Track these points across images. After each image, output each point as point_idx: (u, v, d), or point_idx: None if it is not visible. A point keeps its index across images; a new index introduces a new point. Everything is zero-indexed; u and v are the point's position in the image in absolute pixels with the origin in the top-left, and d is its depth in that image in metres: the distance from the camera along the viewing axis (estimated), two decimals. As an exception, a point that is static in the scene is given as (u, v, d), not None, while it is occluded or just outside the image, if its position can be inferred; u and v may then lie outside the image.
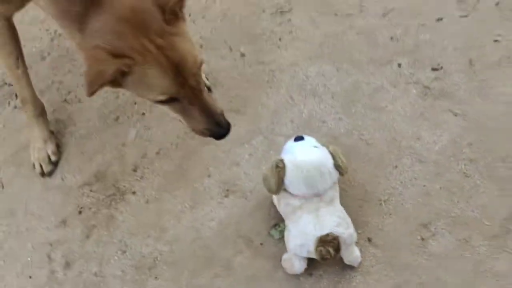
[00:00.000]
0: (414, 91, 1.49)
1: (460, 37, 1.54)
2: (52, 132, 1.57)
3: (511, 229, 1.25)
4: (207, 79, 1.57)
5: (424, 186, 1.34)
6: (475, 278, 1.20)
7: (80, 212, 1.45)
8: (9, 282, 1.39)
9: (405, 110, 1.46)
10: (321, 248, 1.14)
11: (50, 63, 1.76)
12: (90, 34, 1.00)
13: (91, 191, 1.49)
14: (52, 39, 1.81)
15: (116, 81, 0.99)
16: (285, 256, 1.26)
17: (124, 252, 1.37)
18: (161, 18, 0.98)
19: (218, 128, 1.13)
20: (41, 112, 1.53)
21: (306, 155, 1.21)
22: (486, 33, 1.53)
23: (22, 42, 1.42)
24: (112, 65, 0.94)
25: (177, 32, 1.02)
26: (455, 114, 1.43)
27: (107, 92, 1.64)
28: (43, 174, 1.52)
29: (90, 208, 1.46)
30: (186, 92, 1.05)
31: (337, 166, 1.21)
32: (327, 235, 1.15)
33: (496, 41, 1.52)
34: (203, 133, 1.15)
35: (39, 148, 1.52)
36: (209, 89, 1.55)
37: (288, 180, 1.20)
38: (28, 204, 1.50)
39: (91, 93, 0.95)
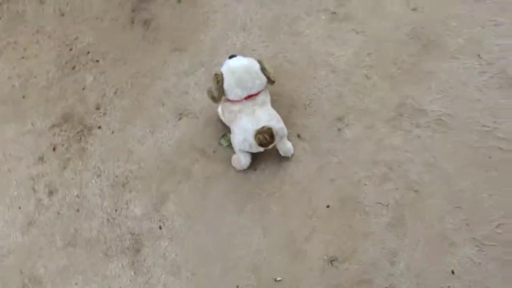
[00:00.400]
0: (323, 17, 1.78)
1: (355, -31, 1.84)
2: None
3: (403, 113, 1.59)
4: None
5: (337, 90, 1.65)
6: (378, 151, 1.54)
7: (54, 149, 1.65)
8: (1, 214, 1.58)
9: (318, 33, 1.75)
10: (259, 135, 1.38)
11: (3, 25, 1.89)
12: None
13: (61, 130, 1.68)
14: (1, 3, 1.94)
15: None
16: (233, 156, 1.54)
17: (99, 175, 1.60)
18: None
19: None
20: None
21: (237, 62, 1.44)
22: (376, -36, 1.84)
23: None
24: None
25: None
26: (357, 32, 1.74)
27: (60, 46, 1.82)
28: None
29: (62, 145, 1.66)
30: None
31: (263, 70, 1.45)
32: (263, 127, 1.39)
33: (384, -30, 1.83)
34: None
35: None
36: None
37: (226, 84, 1.43)
38: (5, 149, 1.67)
39: None
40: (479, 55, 1.62)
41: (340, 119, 1.58)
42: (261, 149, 1.43)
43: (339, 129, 1.57)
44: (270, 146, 1.42)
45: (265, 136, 1.36)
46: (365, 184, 1.45)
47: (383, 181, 1.46)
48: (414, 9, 1.72)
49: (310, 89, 1.64)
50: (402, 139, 1.53)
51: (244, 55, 1.61)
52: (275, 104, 1.56)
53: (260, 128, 1.38)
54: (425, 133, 1.52)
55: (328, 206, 1.44)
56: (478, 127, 1.50)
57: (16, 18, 1.86)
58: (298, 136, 1.57)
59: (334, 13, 1.76)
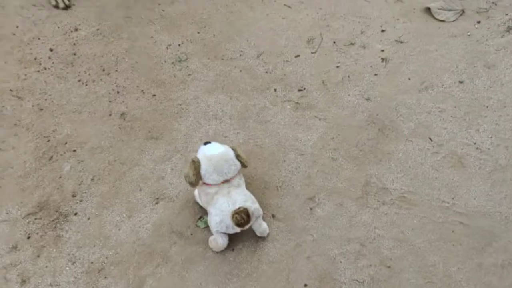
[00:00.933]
0: (288, 106, 1.95)
1: (313, 67, 2.06)
2: None
3: (369, 191, 1.70)
4: None
5: (306, 171, 1.76)
6: (351, 228, 1.62)
7: (28, 237, 1.62)
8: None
9: (284, 120, 1.90)
10: (236, 215, 1.42)
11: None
12: None
13: (36, 219, 1.67)
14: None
15: None
16: (210, 238, 1.56)
17: (74, 262, 1.57)
18: None
19: None
20: None
21: (213, 150, 1.53)
22: (330, 62, 2.07)
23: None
24: None
25: None
26: (319, 119, 1.90)
27: (38, 137, 1.86)
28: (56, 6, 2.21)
29: (37, 233, 1.63)
30: None
31: (237, 157, 1.54)
32: (239, 207, 1.43)
33: (337, 66, 2.06)
34: None
35: None
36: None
37: (203, 170, 1.50)
38: None
39: None
40: (430, 138, 1.79)
41: (311, 198, 1.67)
42: (238, 229, 1.46)
43: (311, 208, 1.65)
44: (247, 227, 1.46)
45: (242, 215, 1.41)
46: (340, 262, 1.50)
47: (357, 258, 1.51)
48: (368, 99, 1.92)
49: (281, 171, 1.73)
50: (371, 216, 1.62)
51: (218, 142, 1.71)
52: (249, 186, 1.63)
53: (236, 209, 1.42)
54: (391, 210, 1.62)
55: (306, 285, 1.47)
56: (438, 203, 1.62)
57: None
58: (273, 216, 1.63)
59: (297, 103, 1.93)
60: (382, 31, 2.15)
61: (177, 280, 1.47)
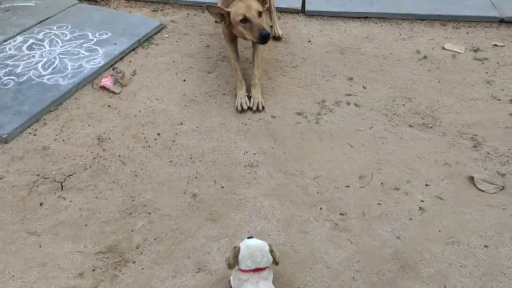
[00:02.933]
0: (328, 225, 2.21)
1: (358, 198, 2.32)
2: (247, 96, 2.91)
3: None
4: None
5: (327, 282, 1.94)
6: None
7: (93, 270, 1.96)
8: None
9: (321, 235, 2.15)
10: None
11: (90, 173, 2.42)
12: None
13: (103, 257, 2.01)
14: (94, 158, 2.52)
15: (226, 19, 2.73)
16: None
17: (121, 300, 1.85)
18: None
19: (263, 32, 2.58)
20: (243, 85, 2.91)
21: (253, 242, 1.80)
22: (374, 198, 2.34)
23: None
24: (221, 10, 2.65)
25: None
26: (351, 242, 2.13)
27: (126, 196, 2.29)
28: (242, 110, 2.84)
29: (101, 268, 1.97)
30: (250, 16, 2.60)
31: (271, 252, 1.78)
32: None
33: (379, 204, 2.32)
34: (257, 39, 2.62)
35: (240, 98, 2.86)
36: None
37: (241, 256, 1.76)
38: (58, 260, 2.00)
39: (208, 10, 2.71)
40: (445, 286, 1.93)
41: (326, 306, 1.84)
42: None
43: (323, 315, 1.81)
44: None
45: None
46: None
47: None
48: (398, 237, 2.13)
49: (306, 276, 1.95)
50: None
51: (261, 238, 2.00)
52: (276, 281, 1.86)
53: None
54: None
55: None
56: None
57: (101, 170, 2.39)
58: (288, 312, 1.82)
59: (336, 224, 2.18)
60: (426, 185, 2.40)
61: None
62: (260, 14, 2.62)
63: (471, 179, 2.41)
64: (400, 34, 3.66)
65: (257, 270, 1.76)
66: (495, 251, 2.04)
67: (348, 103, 2.96)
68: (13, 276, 1.90)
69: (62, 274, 1.91)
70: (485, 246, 2.07)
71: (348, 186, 2.38)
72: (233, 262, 1.76)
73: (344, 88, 3.10)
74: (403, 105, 2.95)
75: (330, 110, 2.90)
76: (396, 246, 2.07)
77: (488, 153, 2.56)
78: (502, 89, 3.06)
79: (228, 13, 2.67)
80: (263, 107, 2.87)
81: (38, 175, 2.37)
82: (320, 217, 2.20)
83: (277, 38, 3.57)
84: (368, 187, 2.37)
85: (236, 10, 2.63)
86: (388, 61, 3.38)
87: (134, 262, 1.96)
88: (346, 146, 2.63)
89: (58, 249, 2.01)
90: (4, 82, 2.93)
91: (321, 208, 2.25)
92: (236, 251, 1.76)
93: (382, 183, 2.40)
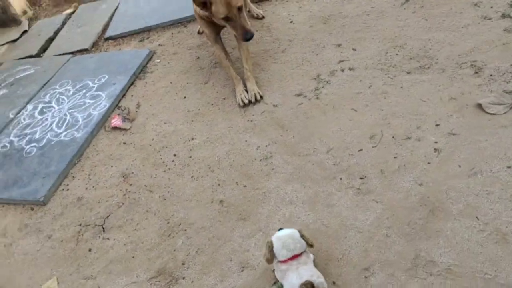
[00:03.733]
0: (351, 192, 2.27)
1: (374, 158, 2.38)
2: (245, 90, 2.99)
3: (418, 264, 1.89)
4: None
5: (363, 246, 2.02)
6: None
7: (150, 294, 2.11)
8: None
9: (347, 203, 2.22)
10: (303, 286, 1.73)
11: (124, 209, 2.59)
12: None
13: (156, 281, 2.17)
14: (124, 194, 2.69)
15: (205, 7, 2.72)
16: None
17: (180, 314, 2.00)
18: None
19: (245, 34, 2.66)
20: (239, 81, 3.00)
21: (283, 232, 1.88)
22: (388, 154, 2.39)
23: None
24: None
25: None
26: (377, 202, 2.19)
27: (161, 220, 2.44)
28: (244, 105, 2.93)
29: (156, 291, 2.12)
30: (232, 15, 2.61)
31: (302, 236, 1.86)
32: (305, 281, 1.73)
33: (395, 157, 2.36)
34: (240, 38, 2.67)
35: (240, 93, 2.95)
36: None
37: (275, 248, 1.87)
38: None
39: (198, 5, 2.74)
40: (477, 217, 1.96)
41: (366, 269, 1.92)
42: None
43: (365, 277, 1.89)
44: None
45: (308, 286, 1.69)
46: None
47: None
48: (420, 184, 2.17)
49: (342, 246, 2.03)
50: (419, 286, 1.81)
51: (292, 222, 2.10)
52: (316, 258, 1.95)
53: (303, 282, 1.71)
54: (437, 280, 1.80)
55: None
56: (481, 275, 1.76)
57: (133, 203, 2.55)
58: (333, 283, 1.91)
59: (358, 189, 2.24)
60: (436, 125, 2.42)
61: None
62: (240, 8, 2.63)
63: (479, 106, 2.41)
64: (377, -14, 3.64)
65: (294, 257, 1.84)
66: (518, 169, 2.05)
67: (343, 70, 3.00)
68: (83, 320, 2.08)
69: (124, 305, 2.07)
70: (508, 167, 2.08)
71: (361, 150, 2.43)
72: (270, 256, 1.85)
73: (335, 57, 3.13)
74: (396, 54, 2.95)
75: (327, 82, 2.94)
76: (420, 193, 2.12)
77: (490, 75, 2.55)
78: (491, 7, 3.01)
79: (211, 3, 2.66)
80: (261, 96, 2.95)
81: (80, 225, 2.55)
82: (342, 186, 2.27)
83: (262, 18, 3.73)
84: (381, 145, 2.42)
85: (217, 9, 2.65)
86: (371, 16, 3.37)
87: (183, 278, 2.10)
88: (350, 111, 2.68)
89: (115, 285, 2.18)
90: (28, 151, 3.15)
91: (340, 178, 2.32)
92: (270, 245, 1.86)
93: (393, 137, 2.44)
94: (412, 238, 1.95)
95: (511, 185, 2.00)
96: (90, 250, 2.39)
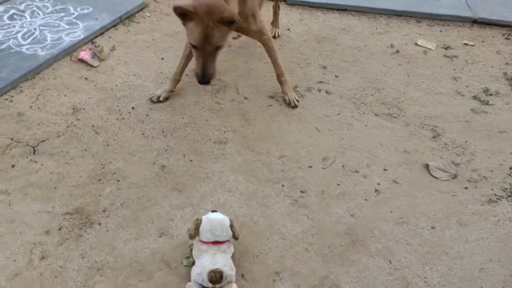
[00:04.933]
0: (288, 201, 2.34)
1: (319, 178, 2.45)
2: (172, 91, 2.83)
3: (324, 283, 1.98)
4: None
5: (281, 252, 2.09)
6: (299, 305, 1.89)
7: (59, 229, 2.05)
8: (2, 261, 1.90)
9: (281, 209, 2.28)
10: (212, 273, 1.75)
11: (60, 142, 2.50)
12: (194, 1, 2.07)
13: (70, 218, 2.11)
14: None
15: (184, 18, 2.11)
16: (188, 283, 1.84)
17: (84, 257, 1.96)
18: (218, 18, 2.04)
19: (203, 78, 2.19)
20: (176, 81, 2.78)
21: (215, 216, 1.91)
22: (334, 179, 2.48)
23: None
24: (185, 8, 2.01)
25: (220, 28, 2.08)
26: (308, 217, 2.26)
27: (97, 163, 2.38)
28: (156, 99, 2.78)
29: (67, 228, 2.07)
30: (203, 50, 2.13)
31: (231, 226, 1.90)
32: (216, 268, 1.76)
33: (338, 184, 2.46)
34: (196, 75, 2.20)
35: (161, 91, 2.77)
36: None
37: (202, 228, 1.89)
38: (26, 218, 2.09)
39: (175, 10, 2.08)
40: (390, 261, 2.08)
41: (277, 273, 1.98)
42: (210, 286, 1.76)
43: (274, 280, 1.95)
44: (218, 286, 1.77)
45: (216, 275, 1.72)
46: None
47: None
48: (352, 215, 2.27)
49: (262, 245, 2.08)
50: (319, 302, 1.88)
51: (224, 209, 2.13)
52: (235, 248, 1.98)
53: (214, 269, 1.75)
54: (337, 303, 1.88)
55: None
56: None
57: (74, 138, 2.48)
58: (242, 275, 1.95)
59: (296, 200, 2.32)
60: (384, 170, 2.55)
61: (150, 296, 1.80)
62: (218, 48, 2.18)
63: (427, 166, 2.57)
64: (377, 28, 3.81)
65: (216, 243, 1.87)
66: (440, 232, 2.21)
67: (319, 90, 3.09)
68: (-19, 230, 1.99)
69: (29, 231, 2.00)
70: (432, 228, 2.23)
71: (311, 167, 2.51)
72: (194, 233, 1.88)
73: (317, 76, 3.23)
74: (372, 95, 3.09)
75: (301, 96, 3.03)
76: (349, 223, 2.22)
77: (445, 143, 2.73)
78: (467, 86, 3.23)
79: (190, 20, 2.13)
80: (297, 101, 2.95)
81: (12, 139, 2.44)
82: (282, 193, 2.33)
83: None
84: (330, 169, 2.51)
85: (191, 32, 2.13)
86: (362, 52, 3.51)
87: (99, 224, 2.06)
88: (314, 130, 2.77)
89: (26, 208, 2.10)
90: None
91: (283, 185, 2.38)
92: (198, 223, 1.88)
93: (343, 166, 2.54)
94: (327, 260, 2.04)
95: (429, 244, 2.15)
96: (13, 166, 2.30)
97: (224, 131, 2.66)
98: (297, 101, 2.90)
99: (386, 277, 1.98)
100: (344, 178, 2.46)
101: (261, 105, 2.89)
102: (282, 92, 2.90)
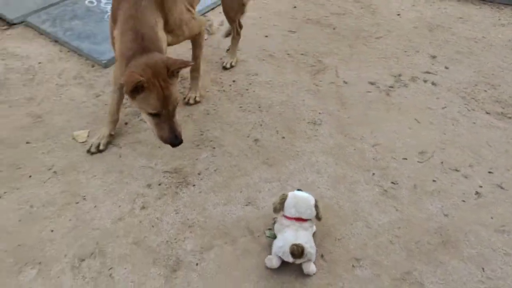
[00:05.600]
0: (377, 190, 2.27)
1: (414, 172, 2.33)
2: (111, 135, 2.37)
3: (406, 279, 1.91)
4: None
5: (364, 240, 2.04)
6: (376, 295, 1.85)
7: (159, 184, 2.22)
8: (105, 205, 2.11)
9: (369, 197, 2.22)
10: (294, 246, 1.77)
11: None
12: (130, 66, 1.82)
13: (169, 176, 2.27)
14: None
15: (134, 92, 1.77)
16: (268, 256, 1.88)
17: (177, 213, 2.10)
18: (165, 73, 1.79)
19: (176, 140, 1.90)
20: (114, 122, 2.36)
21: (301, 193, 1.92)
22: (430, 175, 2.34)
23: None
24: (136, 80, 1.71)
25: (172, 82, 1.84)
26: (397, 210, 2.18)
27: (195, 130, 2.51)
28: (88, 151, 2.30)
29: (166, 184, 2.22)
30: (165, 113, 1.85)
31: (315, 206, 1.89)
32: (299, 244, 1.78)
33: (434, 181, 2.32)
34: (165, 141, 1.90)
35: (98, 137, 2.33)
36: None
37: (287, 203, 1.90)
38: (133, 172, 2.28)
39: (127, 92, 1.78)
40: (483, 268, 1.94)
41: (357, 260, 1.95)
42: (291, 260, 1.78)
43: (353, 266, 1.92)
44: (298, 261, 1.80)
45: (298, 250, 1.74)
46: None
47: None
48: (446, 215, 2.14)
49: (345, 230, 2.05)
50: (398, 296, 1.82)
51: (311, 189, 2.13)
52: (316, 231, 1.98)
53: (296, 243, 1.77)
54: None
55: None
56: None
57: (179, 106, 2.62)
58: (322, 256, 1.95)
59: (385, 190, 2.24)
60: (489, 172, 2.35)
61: (231, 259, 1.89)
62: (178, 104, 1.93)
63: (542, 173, 2.30)
64: (499, 19, 3.46)
65: (300, 219, 1.88)
66: (546, 247, 1.99)
67: (425, 81, 2.92)
68: (95, 176, 2.23)
69: (134, 182, 2.20)
70: (538, 241, 2.01)
71: (406, 159, 2.40)
72: (279, 207, 1.91)
73: (424, 65, 3.05)
74: (485, 91, 2.84)
75: (404, 85, 2.88)
76: (441, 222, 2.09)
77: None
78: None
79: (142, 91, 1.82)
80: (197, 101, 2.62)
81: (127, 99, 2.67)
82: (371, 181, 2.27)
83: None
84: (427, 163, 2.38)
85: (148, 102, 1.83)
86: (479, 44, 3.23)
87: (194, 185, 2.19)
88: (413, 121, 2.63)
89: (133, 162, 2.31)
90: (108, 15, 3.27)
91: (373, 174, 2.31)
92: (283, 198, 1.91)
93: (442, 162, 2.39)
94: (413, 256, 1.95)
95: (531, 258, 1.94)
96: (126, 123, 2.52)
97: (319, 113, 2.64)
98: (196, 101, 2.62)
99: (476, 285, 1.85)
100: (442, 175, 2.31)
101: (360, 90, 2.81)
102: (189, 88, 2.63)
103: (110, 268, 1.83)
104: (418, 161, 2.38)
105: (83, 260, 1.86)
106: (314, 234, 1.94)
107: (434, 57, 3.12)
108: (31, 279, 1.78)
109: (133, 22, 1.89)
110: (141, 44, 1.86)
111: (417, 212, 2.12)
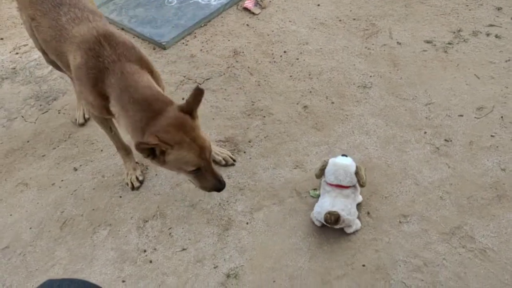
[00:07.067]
0: (428, 148, 2.23)
1: (469, 128, 2.25)
2: (137, 163, 2.22)
3: (456, 233, 1.88)
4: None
5: (413, 196, 2.04)
6: (423, 249, 1.85)
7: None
8: (167, 174, 2.34)
9: (419, 156, 2.19)
10: (327, 215, 1.81)
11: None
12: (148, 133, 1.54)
13: (222, 144, 2.41)
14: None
15: (159, 157, 1.56)
16: (311, 214, 1.97)
17: (229, 178, 2.24)
18: (190, 120, 1.56)
19: (220, 185, 1.71)
20: (129, 152, 2.16)
21: (341, 160, 1.93)
22: (488, 130, 2.24)
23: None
24: (153, 142, 1.48)
25: (197, 126, 1.60)
26: (449, 167, 2.13)
27: (247, 101, 2.63)
28: (133, 188, 2.15)
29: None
30: (205, 164, 1.62)
31: (356, 174, 1.89)
32: (334, 211, 1.81)
33: (492, 136, 2.22)
34: (210, 190, 1.73)
35: (130, 173, 2.17)
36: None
37: (327, 170, 1.94)
38: None
39: (153, 160, 1.58)
40: (543, 222, 1.85)
41: (405, 216, 1.96)
42: (327, 224, 1.84)
43: (400, 222, 1.94)
44: (335, 226, 1.84)
45: (332, 218, 1.78)
46: (399, 266, 1.77)
47: (414, 270, 1.76)
48: (503, 170, 2.06)
49: (393, 188, 2.07)
50: (446, 250, 1.82)
51: (359, 150, 2.16)
52: (362, 189, 2.00)
53: (332, 211, 1.80)
54: (467, 254, 1.80)
55: (363, 265, 1.81)
56: None
57: (232, 77, 2.76)
58: (368, 213, 2.00)
59: (437, 148, 2.19)
60: (557, 124, 2.19)
61: (279, 218, 2.01)
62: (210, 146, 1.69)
63: None
64: None
65: (340, 186, 1.91)
66: None
67: (488, 34, 2.75)
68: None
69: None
70: None
71: (461, 115, 2.33)
72: (319, 173, 1.97)
73: (488, 18, 2.87)
74: (557, 39, 2.61)
75: (464, 40, 2.75)
76: (498, 177, 2.02)
77: None
78: None
79: (165, 150, 1.57)
80: (234, 160, 2.31)
81: (184, 76, 2.88)
82: (422, 140, 2.24)
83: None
84: (485, 119, 2.29)
85: (182, 159, 1.60)
86: (555, -10, 2.94)
87: (244, 152, 2.33)
88: (472, 77, 2.52)
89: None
90: (169, 1, 3.49)
91: (425, 132, 2.27)
92: (324, 164, 1.96)
93: (502, 117, 2.28)
94: (464, 211, 1.92)
95: None
96: (183, 99, 2.71)
97: (370, 76, 2.63)
98: (232, 158, 2.28)
99: (532, 238, 1.77)
100: (501, 129, 2.21)
101: (415, 50, 2.74)
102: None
103: (170, 228, 2.04)
104: (475, 117, 2.30)
105: (146, 221, 2.08)
106: (361, 192, 1.96)
107: (499, 8, 2.92)
108: (103, 238, 2.04)
109: (129, 92, 1.64)
110: (150, 108, 1.61)
111: (471, 168, 2.07)
